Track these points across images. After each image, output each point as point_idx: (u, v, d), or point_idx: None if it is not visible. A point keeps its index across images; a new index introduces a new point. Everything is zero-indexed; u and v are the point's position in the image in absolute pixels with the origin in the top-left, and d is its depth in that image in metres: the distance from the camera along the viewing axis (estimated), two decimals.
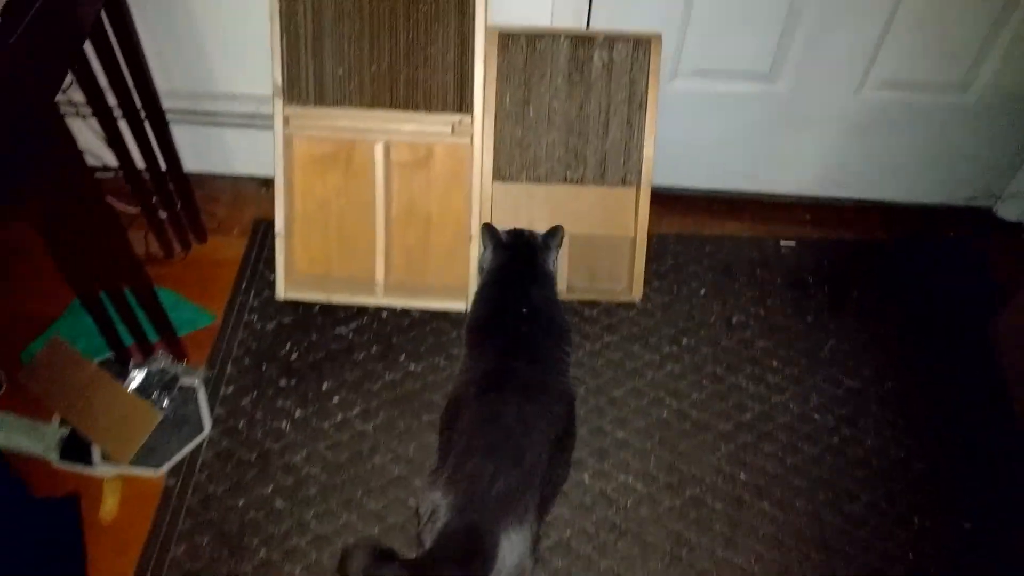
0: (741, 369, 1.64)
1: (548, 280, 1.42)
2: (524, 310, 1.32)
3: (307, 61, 1.55)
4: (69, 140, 1.26)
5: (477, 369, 1.26)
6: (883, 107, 1.78)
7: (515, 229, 1.48)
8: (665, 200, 1.94)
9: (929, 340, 1.71)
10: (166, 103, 1.78)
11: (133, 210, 1.77)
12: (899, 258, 1.87)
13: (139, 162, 1.63)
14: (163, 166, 1.69)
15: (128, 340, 1.54)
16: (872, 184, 1.95)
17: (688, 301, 1.76)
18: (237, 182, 1.96)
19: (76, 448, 1.45)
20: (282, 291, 1.67)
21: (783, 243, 1.90)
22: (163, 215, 1.75)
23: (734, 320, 1.73)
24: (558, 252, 1.48)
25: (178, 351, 1.57)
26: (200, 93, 1.81)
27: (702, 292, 1.78)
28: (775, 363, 1.65)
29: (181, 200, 1.76)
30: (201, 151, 1.90)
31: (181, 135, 1.85)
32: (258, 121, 1.82)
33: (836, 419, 1.56)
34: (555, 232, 1.46)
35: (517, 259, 1.42)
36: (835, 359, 1.66)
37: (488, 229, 1.45)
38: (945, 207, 1.98)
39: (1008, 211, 1.93)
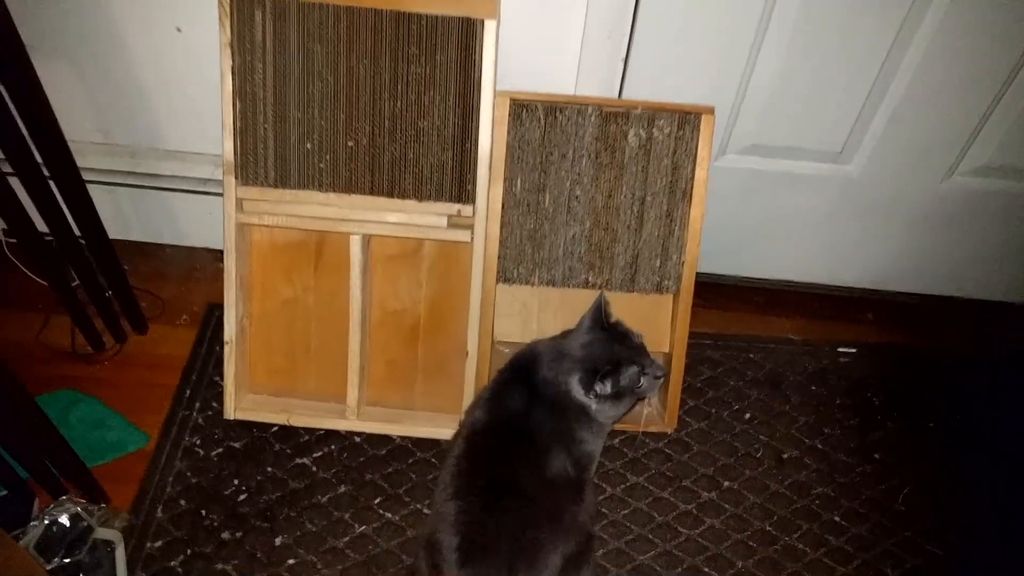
0: (796, 526, 1.32)
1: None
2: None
3: (267, 132, 1.23)
4: None
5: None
6: (973, 195, 1.46)
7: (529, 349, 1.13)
8: (700, 291, 1.62)
9: None
10: (101, 162, 1.47)
11: (41, 282, 1.43)
12: (988, 375, 1.55)
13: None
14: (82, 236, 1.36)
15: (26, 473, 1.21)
16: (949, 279, 1.63)
17: (729, 428, 1.44)
18: (191, 254, 1.63)
19: None
20: (232, 410, 1.35)
21: (842, 349, 1.58)
22: (86, 298, 1.43)
23: (786, 456, 1.41)
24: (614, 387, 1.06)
25: (93, 491, 1.25)
26: (144, 151, 1.48)
27: (747, 416, 1.46)
28: (838, 519, 1.33)
29: (109, 280, 1.43)
30: (146, 218, 1.58)
31: (121, 200, 1.53)
32: (213, 186, 1.50)
33: None
34: (617, 371, 1.04)
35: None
36: (914, 515, 1.34)
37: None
38: None
39: None
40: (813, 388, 1.52)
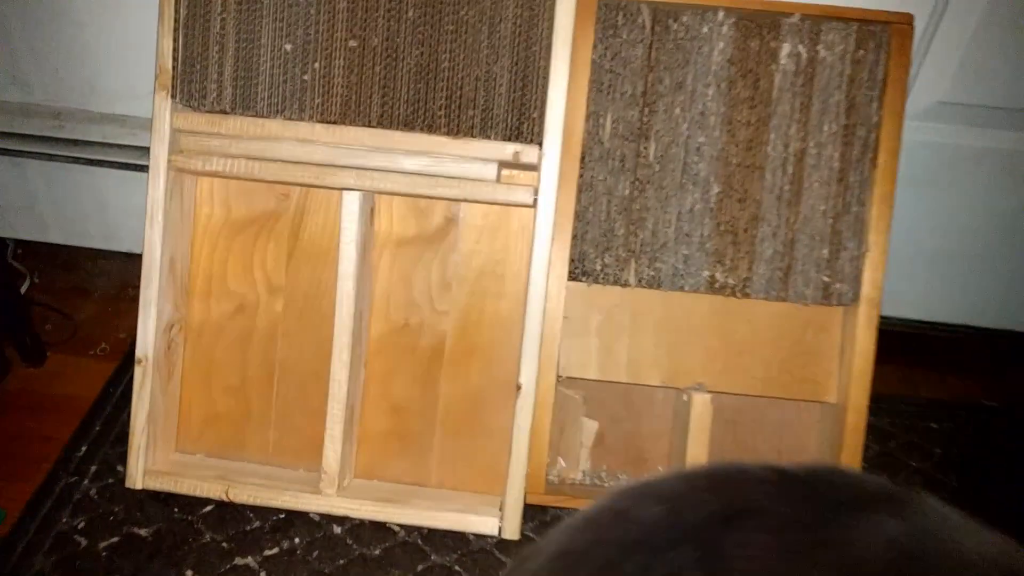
0: None
1: None
2: None
3: (225, 25, 0.80)
4: None
5: None
6: None
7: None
8: None
9: None
10: (12, 125, 1.05)
11: None
12: None
13: None
14: None
15: None
16: None
17: None
18: (127, 264, 1.17)
19: None
20: (138, 474, 0.84)
21: None
22: None
23: None
24: None
25: None
26: (71, 113, 1.07)
27: None
28: None
29: None
30: (67, 207, 1.14)
31: (32, 178, 1.10)
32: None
33: None
34: None
35: None
36: None
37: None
38: None
39: None
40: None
